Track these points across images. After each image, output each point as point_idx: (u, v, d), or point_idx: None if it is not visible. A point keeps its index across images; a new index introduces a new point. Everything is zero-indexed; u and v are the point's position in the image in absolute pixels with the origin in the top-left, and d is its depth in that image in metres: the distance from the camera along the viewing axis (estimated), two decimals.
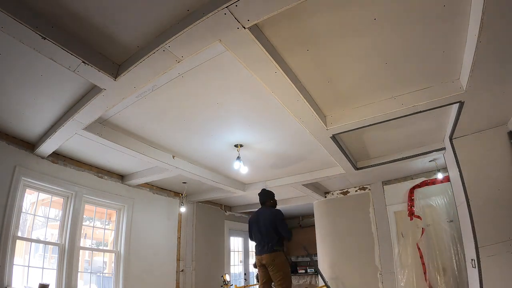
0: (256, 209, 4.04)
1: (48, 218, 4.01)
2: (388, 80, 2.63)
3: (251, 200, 6.74)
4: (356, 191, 5.78)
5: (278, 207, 4.08)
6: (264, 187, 4.30)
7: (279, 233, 3.66)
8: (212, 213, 6.67)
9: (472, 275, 3.29)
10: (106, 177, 4.60)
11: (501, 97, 2.72)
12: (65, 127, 2.97)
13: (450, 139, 3.54)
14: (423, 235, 4.66)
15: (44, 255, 3.88)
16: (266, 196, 3.97)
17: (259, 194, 4.02)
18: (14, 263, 3.31)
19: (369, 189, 5.60)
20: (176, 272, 5.48)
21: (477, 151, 3.35)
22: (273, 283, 3.65)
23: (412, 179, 5.12)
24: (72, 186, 4.07)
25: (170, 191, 5.74)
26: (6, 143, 3.41)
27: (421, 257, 4.60)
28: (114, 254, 4.62)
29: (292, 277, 7.58)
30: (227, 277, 5.64)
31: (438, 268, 4.45)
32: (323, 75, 2.55)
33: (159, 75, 2.25)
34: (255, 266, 3.94)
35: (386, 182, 5.41)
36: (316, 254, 6.13)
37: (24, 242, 3.62)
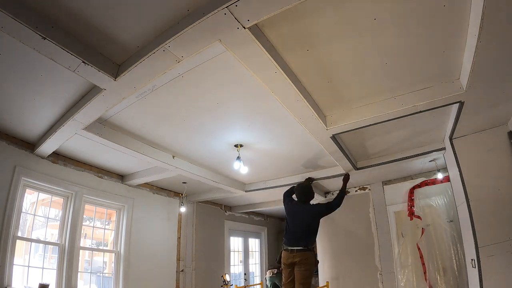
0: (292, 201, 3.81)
1: (48, 218, 4.01)
2: (388, 80, 2.63)
3: (251, 200, 6.74)
4: (356, 191, 5.78)
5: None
6: (309, 184, 3.97)
7: (317, 232, 3.55)
8: (212, 213, 6.66)
9: (472, 275, 3.29)
10: (106, 177, 4.60)
11: (501, 97, 2.72)
12: (65, 127, 2.97)
13: (450, 139, 3.53)
14: (423, 235, 4.66)
15: (44, 255, 3.88)
16: (309, 194, 3.73)
17: (299, 188, 3.76)
18: (14, 263, 3.32)
19: (369, 189, 5.60)
20: (176, 272, 5.48)
21: (477, 151, 3.35)
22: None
23: (412, 179, 5.12)
24: (72, 186, 4.07)
25: (170, 191, 5.74)
26: (6, 143, 3.41)
27: (421, 257, 4.60)
28: (114, 254, 4.62)
29: None
30: (227, 277, 5.64)
31: (438, 268, 4.45)
32: (323, 75, 2.55)
33: (159, 75, 2.25)
34: (279, 261, 3.70)
35: (386, 182, 5.41)
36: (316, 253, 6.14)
37: (24, 242, 3.62)
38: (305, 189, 3.78)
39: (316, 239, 6.01)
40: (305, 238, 3.45)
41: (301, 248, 3.42)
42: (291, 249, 3.46)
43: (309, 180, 4.25)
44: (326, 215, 3.63)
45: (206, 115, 3.11)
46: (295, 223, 3.56)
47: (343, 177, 4.18)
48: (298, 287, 3.36)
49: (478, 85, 2.47)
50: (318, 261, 3.65)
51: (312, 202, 3.85)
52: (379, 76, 2.57)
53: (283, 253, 3.55)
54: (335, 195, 5.96)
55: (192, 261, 5.80)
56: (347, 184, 4.23)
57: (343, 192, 3.79)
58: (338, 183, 5.58)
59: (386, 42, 2.19)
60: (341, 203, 3.64)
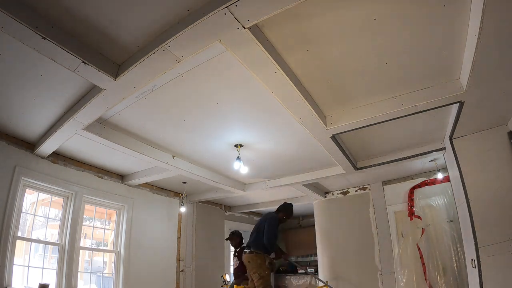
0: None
1: (48, 218, 4.01)
2: (388, 80, 2.63)
3: (251, 200, 6.74)
4: (356, 191, 5.77)
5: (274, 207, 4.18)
6: (291, 203, 4.54)
7: (263, 237, 3.83)
8: (212, 213, 6.66)
9: (472, 275, 3.29)
10: (106, 177, 4.60)
11: (501, 97, 2.72)
12: (65, 127, 2.97)
13: (450, 139, 3.53)
14: (423, 235, 4.66)
15: (44, 255, 3.88)
16: (283, 208, 4.24)
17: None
18: (14, 263, 3.31)
19: (369, 189, 5.59)
20: (176, 272, 5.47)
21: (477, 151, 3.34)
22: None
23: (412, 179, 5.11)
24: (72, 186, 4.07)
25: (170, 191, 5.74)
26: (6, 143, 3.41)
27: (421, 257, 4.60)
28: (114, 254, 4.62)
29: (292, 277, 7.60)
30: (227, 277, 5.63)
31: (438, 268, 4.45)
32: (323, 75, 2.55)
33: (159, 75, 2.26)
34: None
35: (386, 182, 5.40)
36: (316, 254, 6.14)
37: (24, 242, 3.62)
38: (286, 204, 4.36)
39: (316, 239, 6.09)
40: (252, 243, 3.91)
41: (247, 251, 3.94)
42: (244, 251, 4.01)
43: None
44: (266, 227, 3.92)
45: (206, 115, 3.11)
46: (252, 231, 4.09)
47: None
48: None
49: (478, 85, 2.47)
50: (270, 266, 3.90)
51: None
52: (379, 76, 2.57)
53: None
54: (335, 195, 6.00)
55: (192, 261, 5.80)
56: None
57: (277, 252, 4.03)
58: (338, 183, 5.59)
59: (386, 42, 2.19)
60: (267, 242, 3.87)
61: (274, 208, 4.76)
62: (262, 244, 3.76)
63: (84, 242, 4.36)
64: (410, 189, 5.02)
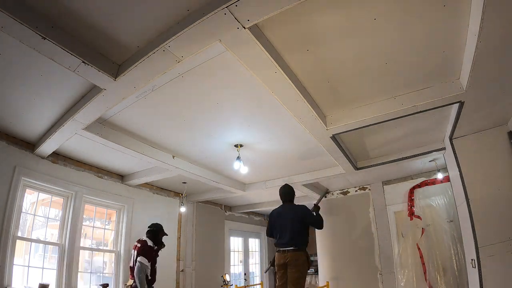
0: (278, 206, 3.88)
1: (48, 218, 4.01)
2: (388, 80, 2.63)
3: (251, 200, 6.74)
4: (356, 191, 5.78)
5: (274, 208, 4.07)
6: (287, 182, 4.10)
7: (306, 231, 3.56)
8: (212, 213, 6.66)
9: (472, 275, 3.30)
10: (106, 177, 4.60)
11: (501, 97, 2.72)
12: (65, 127, 2.97)
13: (450, 139, 3.53)
14: (423, 235, 4.66)
15: (44, 255, 3.87)
16: (292, 193, 3.83)
17: (283, 190, 3.84)
18: (14, 263, 3.31)
19: (369, 189, 5.60)
20: (176, 272, 5.47)
21: (477, 151, 3.35)
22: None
23: (412, 179, 5.12)
24: (72, 186, 4.07)
25: (170, 191, 5.74)
26: (6, 143, 3.41)
27: (421, 257, 4.60)
28: (114, 254, 4.62)
29: None
30: (227, 277, 5.63)
31: (438, 268, 4.45)
32: (323, 75, 2.55)
33: (159, 75, 2.26)
34: (272, 264, 3.78)
35: (386, 182, 5.41)
36: (316, 254, 6.14)
37: (24, 242, 3.62)
38: (286, 189, 3.86)
39: (316, 239, 6.09)
40: (294, 238, 3.47)
41: (292, 248, 3.45)
42: (282, 250, 3.51)
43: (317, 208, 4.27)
44: (305, 227, 3.62)
45: (206, 115, 3.11)
46: (283, 224, 3.59)
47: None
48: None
49: (478, 85, 2.47)
50: (311, 262, 3.63)
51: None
52: (379, 76, 2.57)
53: (276, 255, 3.61)
54: (335, 195, 5.99)
55: (192, 261, 5.80)
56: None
57: (317, 214, 3.80)
58: (338, 183, 5.59)
59: (386, 42, 2.19)
60: (321, 226, 3.72)
61: (273, 208, 4.79)
62: (305, 240, 3.53)
63: (84, 242, 4.35)
64: (410, 189, 5.02)
